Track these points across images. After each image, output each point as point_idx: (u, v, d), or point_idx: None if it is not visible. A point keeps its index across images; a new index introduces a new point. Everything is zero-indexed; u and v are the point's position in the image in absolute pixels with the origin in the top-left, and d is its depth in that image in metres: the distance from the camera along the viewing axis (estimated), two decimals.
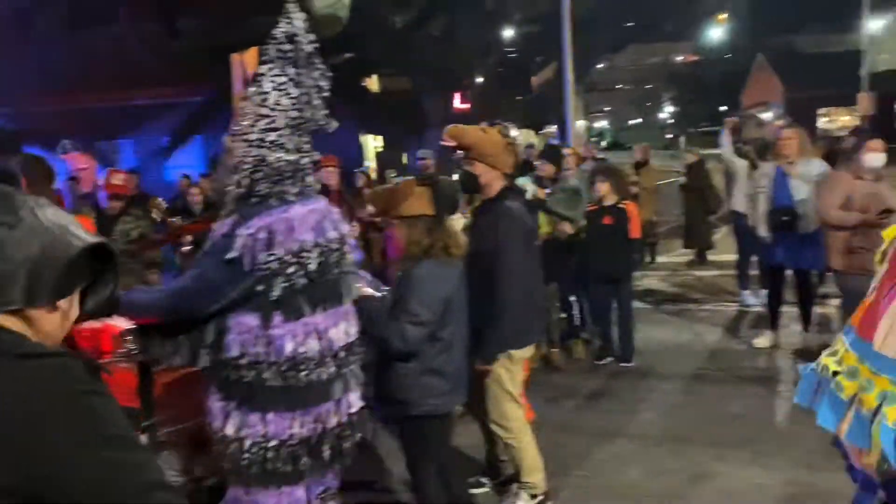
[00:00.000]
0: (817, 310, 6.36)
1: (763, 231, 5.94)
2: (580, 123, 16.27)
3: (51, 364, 1.10)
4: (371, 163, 22.39)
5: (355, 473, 2.88)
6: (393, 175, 18.32)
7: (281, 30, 2.40)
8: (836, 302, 6.43)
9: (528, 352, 3.67)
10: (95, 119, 14.28)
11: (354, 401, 2.60)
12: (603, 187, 5.83)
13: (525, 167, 6.20)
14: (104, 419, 1.12)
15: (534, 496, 3.63)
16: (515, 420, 3.60)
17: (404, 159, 15.04)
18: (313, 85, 2.46)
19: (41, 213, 1.17)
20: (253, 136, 2.39)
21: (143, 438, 2.66)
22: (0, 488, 1.00)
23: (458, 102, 20.36)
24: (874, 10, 31.37)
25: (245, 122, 2.41)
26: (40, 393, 1.07)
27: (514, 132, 5.91)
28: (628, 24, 19.27)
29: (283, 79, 2.40)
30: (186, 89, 13.90)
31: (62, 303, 1.19)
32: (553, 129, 26.62)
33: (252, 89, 2.41)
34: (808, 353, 5.65)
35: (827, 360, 1.68)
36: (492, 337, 3.36)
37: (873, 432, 1.50)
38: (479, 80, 24.13)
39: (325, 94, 2.50)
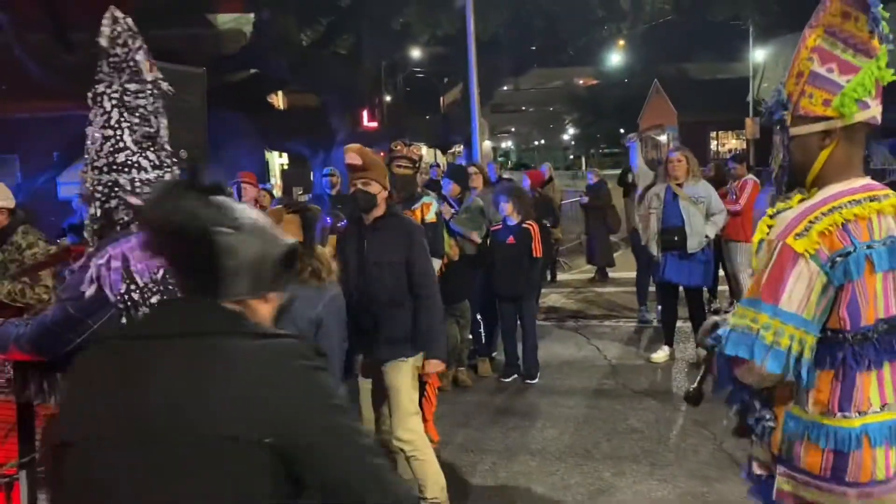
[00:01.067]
0: None
1: (654, 250, 6.20)
2: (486, 143, 16.51)
3: (286, 343, 1.33)
4: (276, 180, 22.01)
5: None
6: (300, 193, 18.00)
7: (105, 36, 2.22)
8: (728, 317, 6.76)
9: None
10: None
11: None
12: (507, 207, 5.93)
13: (431, 186, 6.24)
14: (329, 390, 1.34)
15: None
16: (419, 432, 3.64)
17: (311, 176, 14.88)
18: (155, 92, 2.29)
19: (251, 216, 1.37)
20: (100, 162, 2.19)
21: (23, 475, 2.50)
22: (251, 441, 1.21)
23: (366, 121, 20.35)
24: (758, 41, 33.58)
25: (92, 148, 2.22)
26: (282, 366, 1.29)
27: (423, 150, 5.95)
28: (532, 48, 19.72)
29: (119, 93, 2.22)
30: (78, 103, 13.28)
31: (273, 294, 1.41)
32: (460, 148, 26.94)
33: (92, 112, 2.23)
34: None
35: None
36: (440, 337, 3.63)
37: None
38: (388, 98, 24.21)
39: (162, 98, 2.31)
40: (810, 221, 1.77)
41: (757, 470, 1.96)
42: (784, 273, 1.76)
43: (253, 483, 1.22)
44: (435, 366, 3.69)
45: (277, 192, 21.21)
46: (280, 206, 3.24)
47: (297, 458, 1.25)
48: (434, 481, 3.61)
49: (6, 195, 4.60)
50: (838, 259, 1.75)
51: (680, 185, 6.09)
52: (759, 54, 34.21)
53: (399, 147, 4.70)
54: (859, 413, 1.80)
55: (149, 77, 2.28)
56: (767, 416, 1.88)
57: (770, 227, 1.88)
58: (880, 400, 1.81)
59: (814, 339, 1.78)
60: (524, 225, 5.91)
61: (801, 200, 1.88)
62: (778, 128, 1.95)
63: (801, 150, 1.90)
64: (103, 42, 2.23)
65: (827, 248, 1.75)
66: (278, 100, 22.21)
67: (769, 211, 1.96)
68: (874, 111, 1.85)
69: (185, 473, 1.20)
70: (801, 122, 1.89)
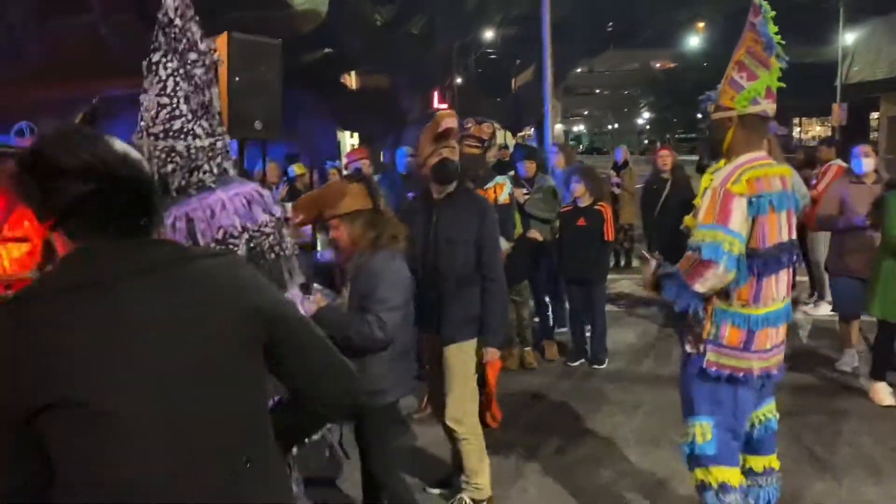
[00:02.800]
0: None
1: None
2: (558, 126, 16.29)
3: (235, 257, 1.73)
4: (346, 159, 22.23)
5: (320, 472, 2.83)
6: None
7: (161, 12, 2.27)
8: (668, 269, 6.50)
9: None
10: (69, 109, 14.01)
11: None
12: (579, 188, 5.82)
13: (501, 167, 6.17)
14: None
15: (477, 501, 3.61)
16: (472, 419, 3.60)
17: (381, 157, 14.97)
18: (207, 63, 2.34)
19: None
20: (157, 129, 2.25)
21: None
22: (263, 313, 1.45)
23: (436, 102, 20.33)
24: (848, 24, 31.97)
25: (147, 115, 2.28)
26: (245, 272, 1.51)
27: (496, 129, 5.86)
28: (607, 29, 19.30)
29: (176, 62, 2.27)
30: None
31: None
32: (531, 131, 26.63)
33: (147, 80, 2.28)
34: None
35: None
36: (500, 325, 3.59)
37: None
38: (459, 80, 24.13)
39: (212, 68, 2.36)
40: (739, 175, 2.65)
41: (689, 349, 2.84)
42: (729, 206, 2.63)
43: (259, 358, 1.45)
44: (492, 353, 3.59)
45: (347, 172, 21.49)
46: (342, 177, 3.26)
47: (277, 341, 1.46)
48: (480, 469, 3.59)
49: None
50: (754, 199, 2.63)
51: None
52: (848, 38, 32.58)
53: (470, 125, 4.64)
54: (764, 305, 2.70)
55: (203, 47, 2.32)
56: (702, 313, 2.75)
57: (711, 179, 2.75)
58: (775, 296, 2.73)
59: (744, 248, 2.65)
60: (596, 206, 5.79)
61: (725, 164, 2.77)
62: (706, 115, 2.90)
63: (717, 130, 2.83)
64: (170, 14, 2.27)
65: (749, 192, 2.63)
66: (351, 80, 22.41)
67: (710, 169, 2.84)
68: (764, 107, 2.74)
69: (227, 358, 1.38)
70: (718, 110, 2.82)
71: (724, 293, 2.70)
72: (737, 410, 2.78)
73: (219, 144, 2.36)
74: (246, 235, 2.29)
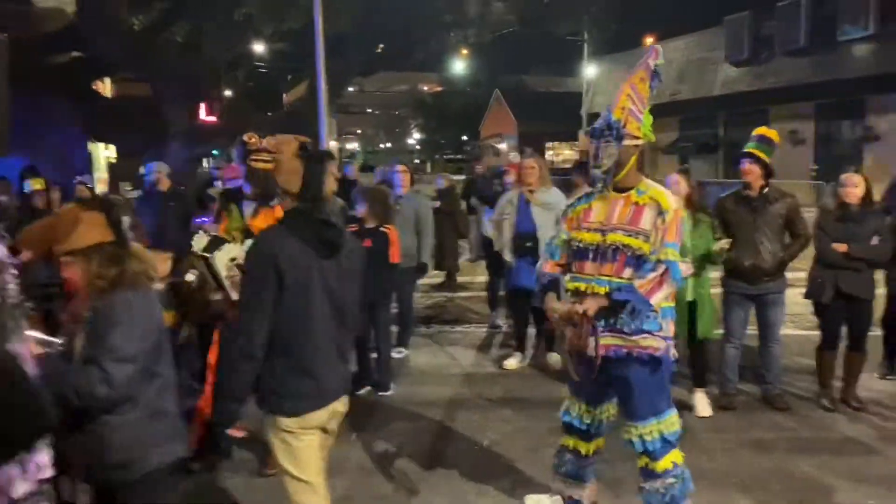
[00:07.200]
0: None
1: (508, 256, 6.18)
2: (332, 144, 16.07)
3: None
4: (101, 174, 20.23)
5: None
6: (129, 188, 16.63)
7: None
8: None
9: (315, 417, 2.79)
10: None
11: (44, 464, 2.08)
12: (362, 211, 5.65)
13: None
14: None
15: None
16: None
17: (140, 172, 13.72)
18: None
19: None
20: None
21: None
22: None
23: (204, 114, 19.17)
24: (592, 58, 35.55)
25: None
26: None
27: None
28: (378, 50, 19.49)
29: None
30: None
31: None
32: None
33: None
34: (554, 372, 5.93)
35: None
36: (217, 392, 2.88)
37: None
38: (229, 92, 23.02)
39: None
40: (676, 200, 3.25)
41: (656, 353, 3.20)
42: (681, 227, 3.19)
43: None
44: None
45: (102, 188, 19.52)
46: (73, 203, 2.67)
47: None
48: None
49: None
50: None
51: (532, 192, 6.11)
52: (591, 71, 36.23)
53: (252, 139, 4.26)
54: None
55: None
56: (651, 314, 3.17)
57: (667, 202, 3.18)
58: None
59: None
60: (381, 229, 5.65)
61: (639, 187, 3.23)
62: (607, 140, 3.16)
63: (626, 156, 3.15)
64: None
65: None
66: (105, 87, 20.46)
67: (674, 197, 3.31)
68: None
69: None
70: (627, 138, 3.14)
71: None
72: None
73: None
74: None
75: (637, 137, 3.16)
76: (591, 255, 3.22)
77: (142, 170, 13.25)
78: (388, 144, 77.63)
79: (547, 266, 3.47)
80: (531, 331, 6.58)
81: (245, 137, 3.01)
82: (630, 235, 3.13)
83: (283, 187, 2.81)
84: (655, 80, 3.20)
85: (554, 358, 6.18)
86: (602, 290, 3.15)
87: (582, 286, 3.24)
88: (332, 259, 2.81)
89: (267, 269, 2.67)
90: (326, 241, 2.80)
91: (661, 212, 3.12)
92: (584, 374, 3.28)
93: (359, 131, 79.94)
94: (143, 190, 7.73)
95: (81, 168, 13.43)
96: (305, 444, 2.77)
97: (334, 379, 2.86)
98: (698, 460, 4.22)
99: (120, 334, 2.36)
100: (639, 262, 3.12)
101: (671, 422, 3.24)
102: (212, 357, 4.32)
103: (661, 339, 3.19)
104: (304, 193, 2.78)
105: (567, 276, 3.37)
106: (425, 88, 65.24)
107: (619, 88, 3.23)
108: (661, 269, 3.07)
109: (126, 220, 2.62)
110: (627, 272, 3.14)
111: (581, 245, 3.26)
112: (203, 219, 5.13)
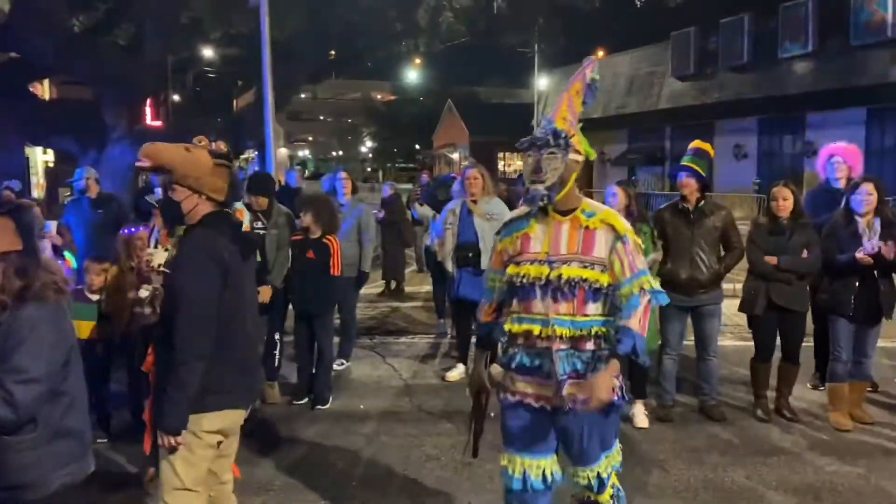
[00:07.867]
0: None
1: (450, 266, 6.14)
2: (283, 151, 15.83)
3: None
4: (39, 178, 19.60)
5: None
6: (67, 194, 16.12)
7: None
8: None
9: (224, 418, 2.80)
10: None
11: None
12: (307, 219, 5.55)
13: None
14: None
15: None
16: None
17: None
18: None
19: None
20: None
21: None
22: None
23: (149, 119, 18.72)
24: (542, 69, 35.97)
25: None
26: None
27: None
28: (329, 57, 19.34)
29: None
30: None
31: None
32: (253, 154, 25.81)
33: None
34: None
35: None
36: (171, 399, 2.67)
37: None
38: (175, 97, 22.55)
39: None
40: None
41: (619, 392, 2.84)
42: (639, 252, 2.86)
43: None
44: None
45: (39, 193, 18.88)
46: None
47: None
48: None
49: None
50: None
51: (475, 202, 6.09)
52: (542, 83, 36.66)
53: (203, 143, 4.14)
54: None
55: None
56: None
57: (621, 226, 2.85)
58: None
59: None
60: (324, 240, 5.55)
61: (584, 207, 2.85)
62: (551, 151, 2.75)
63: (569, 172, 2.77)
64: None
65: None
66: (43, 89, 19.85)
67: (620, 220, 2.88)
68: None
69: None
70: (573, 153, 2.78)
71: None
72: None
73: None
74: None
75: (579, 153, 2.79)
76: (538, 293, 2.77)
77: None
78: (341, 152, 77.19)
79: (482, 312, 3.08)
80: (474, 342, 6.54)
81: (195, 140, 2.95)
82: (586, 267, 2.73)
83: (208, 192, 2.84)
84: (590, 94, 2.90)
85: (497, 369, 6.13)
86: (566, 333, 2.74)
87: (535, 329, 2.79)
88: (246, 261, 2.91)
89: (215, 266, 2.71)
90: (245, 243, 2.92)
91: (618, 237, 2.76)
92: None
93: (310, 138, 79.32)
94: (73, 196, 7.51)
95: (17, 173, 12.97)
96: (204, 453, 2.78)
97: (258, 378, 3.06)
98: (633, 472, 4.23)
99: (26, 353, 2.24)
100: (596, 295, 2.75)
101: (618, 451, 2.98)
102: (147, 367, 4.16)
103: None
104: (226, 197, 2.91)
105: (510, 318, 2.90)
106: (378, 97, 65.11)
107: (559, 97, 2.90)
108: (646, 299, 2.74)
109: (39, 227, 2.51)
110: (591, 308, 2.76)
111: (525, 281, 2.78)
112: (133, 228, 4.95)
